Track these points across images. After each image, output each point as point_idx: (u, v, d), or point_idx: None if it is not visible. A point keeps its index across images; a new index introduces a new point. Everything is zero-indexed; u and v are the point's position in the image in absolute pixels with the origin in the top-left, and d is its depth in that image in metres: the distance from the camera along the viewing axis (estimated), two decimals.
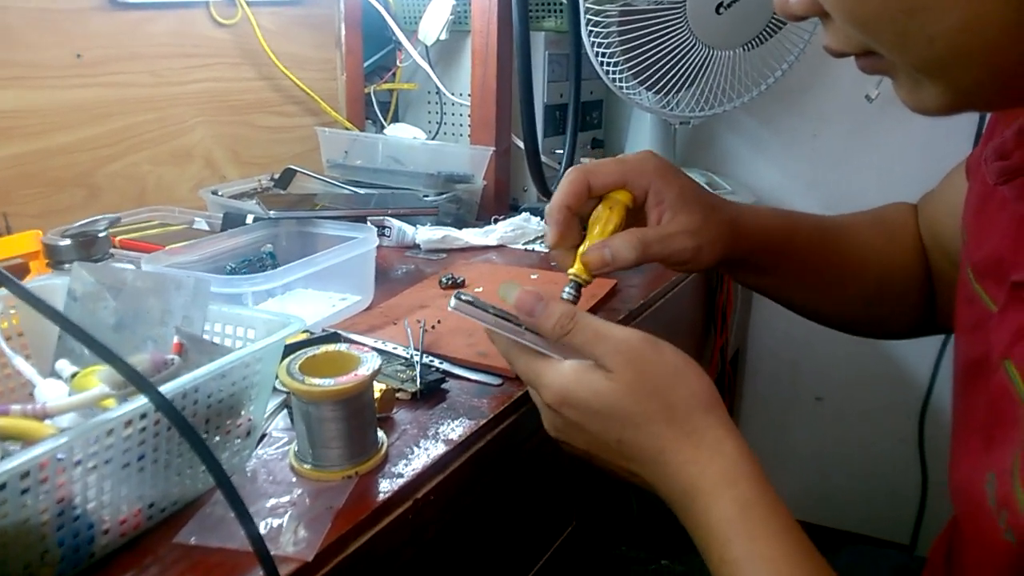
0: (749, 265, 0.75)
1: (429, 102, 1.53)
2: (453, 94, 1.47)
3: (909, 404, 1.68)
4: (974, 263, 0.57)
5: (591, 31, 1.26)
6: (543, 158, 1.10)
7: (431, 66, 1.46)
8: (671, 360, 0.57)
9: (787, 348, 1.78)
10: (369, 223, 1.02)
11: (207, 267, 0.86)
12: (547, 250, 1.15)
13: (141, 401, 0.46)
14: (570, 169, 0.66)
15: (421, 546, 0.60)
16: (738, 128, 1.70)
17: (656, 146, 1.49)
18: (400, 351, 0.77)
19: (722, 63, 1.30)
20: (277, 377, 0.58)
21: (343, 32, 1.45)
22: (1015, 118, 0.50)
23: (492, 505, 0.73)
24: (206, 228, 1.08)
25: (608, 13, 1.25)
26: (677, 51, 1.27)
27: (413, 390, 0.70)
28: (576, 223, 0.66)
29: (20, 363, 0.61)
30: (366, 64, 1.52)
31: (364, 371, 0.57)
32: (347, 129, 1.46)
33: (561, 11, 1.41)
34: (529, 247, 1.19)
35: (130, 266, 0.76)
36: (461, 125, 1.49)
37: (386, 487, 0.58)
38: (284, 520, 0.53)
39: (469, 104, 1.36)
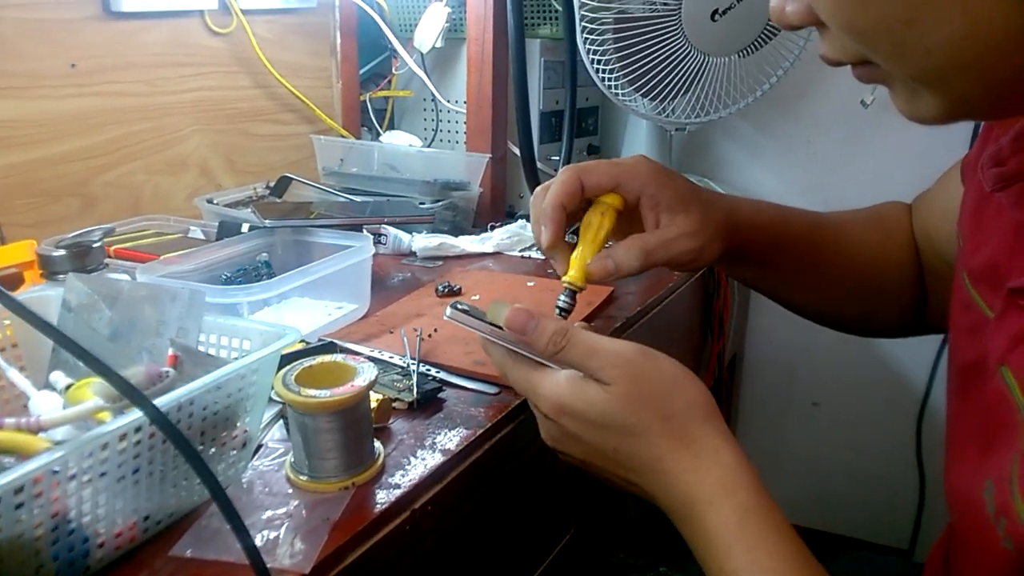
0: (743, 258, 0.75)
1: (425, 109, 1.53)
2: (449, 101, 1.47)
3: (906, 409, 1.68)
4: (970, 269, 0.58)
5: (587, 38, 1.26)
6: (539, 165, 1.10)
7: (427, 73, 1.46)
8: (667, 370, 0.57)
9: (784, 353, 1.78)
10: (365, 231, 1.02)
11: (203, 276, 0.86)
12: (540, 252, 1.15)
13: (136, 414, 0.46)
14: (563, 168, 0.66)
15: (419, 557, 0.60)
16: (734, 134, 1.70)
17: (652, 152, 1.49)
18: (397, 360, 0.77)
19: (717, 70, 1.30)
20: (273, 388, 0.57)
21: (338, 40, 1.45)
22: (1011, 124, 0.50)
23: (490, 514, 0.72)
24: (201, 237, 1.08)
25: (603, 20, 1.25)
26: (672, 58, 1.27)
27: (410, 400, 0.70)
28: (566, 223, 0.66)
29: (14, 375, 0.61)
30: (362, 72, 1.52)
31: (360, 382, 0.57)
32: (343, 137, 1.46)
33: (557, 18, 1.41)
34: (525, 254, 1.19)
35: (125, 276, 0.76)
36: (457, 132, 1.49)
37: (383, 498, 0.57)
38: (280, 532, 0.53)
39: (465, 111, 1.36)
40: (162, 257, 0.89)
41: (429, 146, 1.50)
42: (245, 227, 1.00)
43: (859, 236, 0.79)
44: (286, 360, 0.60)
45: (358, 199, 1.22)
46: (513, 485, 0.75)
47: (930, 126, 0.45)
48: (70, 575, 0.47)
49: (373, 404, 0.64)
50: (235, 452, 0.58)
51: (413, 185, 1.27)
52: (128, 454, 0.48)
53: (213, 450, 0.55)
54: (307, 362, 0.60)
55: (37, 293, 0.68)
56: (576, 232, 0.67)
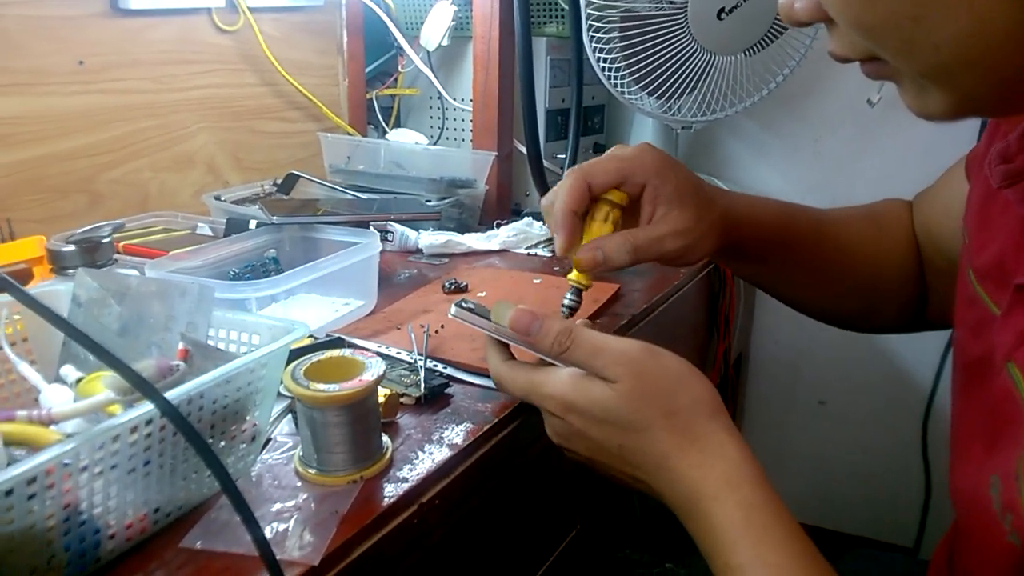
0: (741, 254, 0.76)
1: (431, 107, 1.53)
2: (455, 99, 1.47)
3: (912, 407, 1.68)
4: (976, 265, 0.58)
5: (593, 36, 1.26)
6: (545, 163, 1.10)
7: (433, 71, 1.46)
8: (673, 367, 0.57)
9: (789, 352, 1.78)
10: (372, 228, 1.02)
11: (211, 272, 0.86)
12: (551, 255, 1.16)
13: (147, 407, 0.46)
14: (568, 172, 0.66)
15: (426, 550, 0.60)
16: (740, 133, 1.70)
17: None
18: (404, 356, 0.77)
19: (724, 68, 1.30)
20: (282, 382, 0.58)
21: (345, 38, 1.46)
22: (1018, 121, 0.50)
23: (497, 509, 0.73)
24: (209, 233, 1.08)
25: (610, 19, 1.25)
26: (679, 56, 1.27)
27: (417, 395, 0.70)
28: (580, 225, 0.67)
29: (25, 369, 0.61)
30: (368, 70, 1.52)
31: (368, 376, 0.57)
32: (349, 134, 1.46)
33: (563, 16, 1.41)
34: (532, 251, 1.19)
35: (134, 272, 0.76)
36: (463, 130, 1.49)
37: (391, 491, 0.58)
38: (290, 524, 0.53)
39: (471, 109, 1.36)
40: (171, 253, 0.89)
41: (435, 144, 1.51)
42: (253, 224, 1.01)
43: (857, 233, 0.80)
44: (295, 355, 0.60)
45: (365, 196, 1.23)
46: (520, 480, 0.76)
47: (937, 124, 0.45)
48: (81, 566, 0.47)
49: (381, 399, 0.64)
50: (244, 445, 0.58)
51: (419, 183, 1.28)
52: (139, 446, 0.48)
53: (223, 443, 0.56)
54: (316, 357, 0.60)
55: (47, 288, 0.69)
56: None
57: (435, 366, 0.76)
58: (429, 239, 1.16)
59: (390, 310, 0.91)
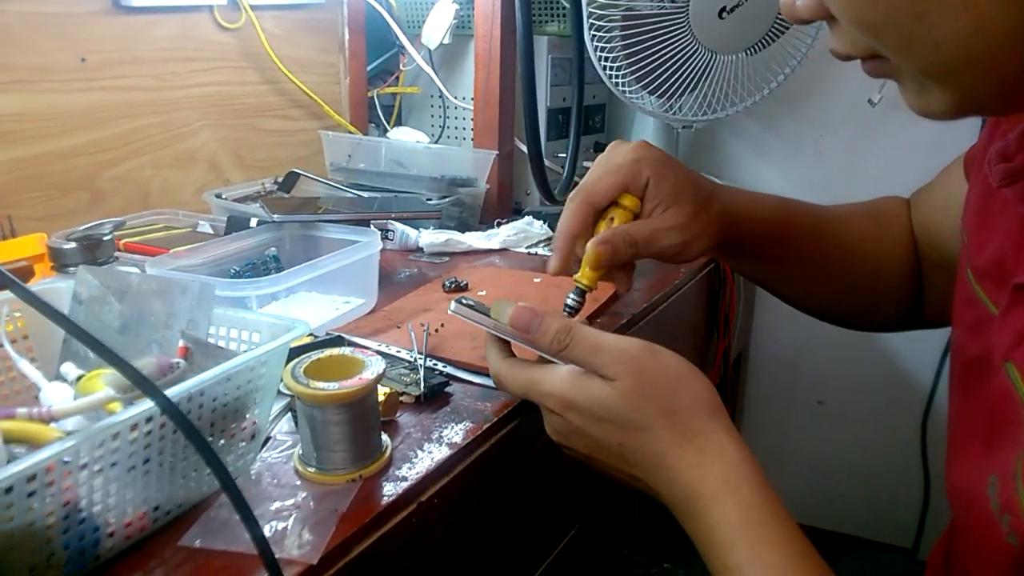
0: (741, 250, 0.76)
1: (432, 106, 1.53)
2: (456, 98, 1.47)
3: (911, 407, 1.68)
4: (975, 265, 0.58)
5: (594, 35, 1.26)
6: (546, 162, 1.10)
7: (434, 70, 1.46)
8: (672, 366, 0.57)
9: (789, 351, 1.78)
10: (372, 226, 1.02)
11: (211, 270, 0.87)
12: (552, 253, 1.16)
13: (147, 405, 0.46)
14: (571, 196, 0.68)
15: (425, 549, 0.60)
16: (741, 132, 1.70)
17: None
18: (404, 354, 0.78)
19: (725, 67, 1.30)
20: (282, 381, 0.58)
21: (346, 36, 1.46)
22: (1018, 120, 0.50)
23: (496, 508, 0.73)
24: (210, 231, 1.08)
25: (611, 17, 1.25)
26: (680, 55, 1.27)
27: (417, 393, 0.70)
28: (577, 247, 0.68)
29: (25, 366, 0.62)
30: (369, 68, 1.52)
31: (368, 375, 0.58)
32: (350, 133, 1.46)
33: (564, 15, 1.41)
34: (532, 250, 1.19)
35: (135, 269, 0.77)
36: (464, 129, 1.49)
37: (390, 490, 0.58)
38: (289, 523, 0.53)
39: (472, 108, 1.36)
40: (171, 251, 0.89)
41: (436, 142, 1.51)
42: (253, 222, 1.01)
43: (855, 230, 0.80)
44: (295, 353, 0.60)
45: (365, 195, 1.23)
46: (519, 479, 0.76)
47: (938, 123, 0.45)
48: (80, 563, 0.47)
49: (381, 398, 0.64)
50: (244, 444, 0.58)
51: (420, 181, 1.28)
52: (139, 444, 0.48)
53: (222, 441, 0.56)
54: (316, 355, 0.60)
55: (48, 285, 0.69)
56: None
57: (435, 365, 0.76)
58: (430, 238, 1.16)
59: (390, 308, 0.91)
